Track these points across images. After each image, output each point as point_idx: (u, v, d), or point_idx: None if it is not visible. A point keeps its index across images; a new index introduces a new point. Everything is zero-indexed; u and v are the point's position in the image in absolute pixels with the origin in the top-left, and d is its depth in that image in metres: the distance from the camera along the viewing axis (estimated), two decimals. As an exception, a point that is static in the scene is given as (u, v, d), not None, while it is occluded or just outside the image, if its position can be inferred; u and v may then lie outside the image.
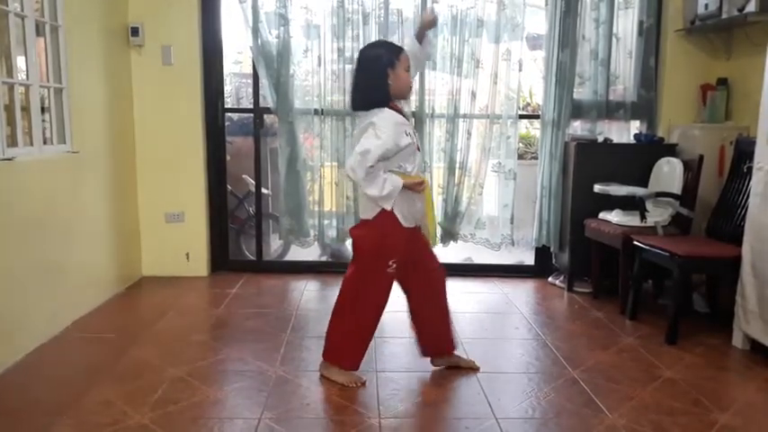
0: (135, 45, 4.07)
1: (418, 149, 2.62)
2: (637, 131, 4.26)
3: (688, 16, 4.02)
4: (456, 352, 2.88)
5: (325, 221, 4.37)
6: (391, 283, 2.67)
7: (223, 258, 4.52)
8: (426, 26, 2.73)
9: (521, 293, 4.14)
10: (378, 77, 2.48)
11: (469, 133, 4.25)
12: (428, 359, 2.88)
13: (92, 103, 3.64)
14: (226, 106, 4.47)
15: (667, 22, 4.15)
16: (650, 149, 4.01)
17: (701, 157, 3.65)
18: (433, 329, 2.82)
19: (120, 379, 2.69)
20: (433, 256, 2.82)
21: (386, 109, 2.49)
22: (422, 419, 2.45)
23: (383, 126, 2.43)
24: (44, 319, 3.11)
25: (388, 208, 2.49)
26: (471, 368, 2.84)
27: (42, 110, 3.21)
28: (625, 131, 4.29)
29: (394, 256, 2.58)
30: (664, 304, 3.68)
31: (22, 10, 2.98)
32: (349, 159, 2.46)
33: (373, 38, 4.12)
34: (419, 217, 2.64)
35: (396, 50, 2.54)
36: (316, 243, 4.46)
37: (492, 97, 4.20)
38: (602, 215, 3.87)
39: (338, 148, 4.23)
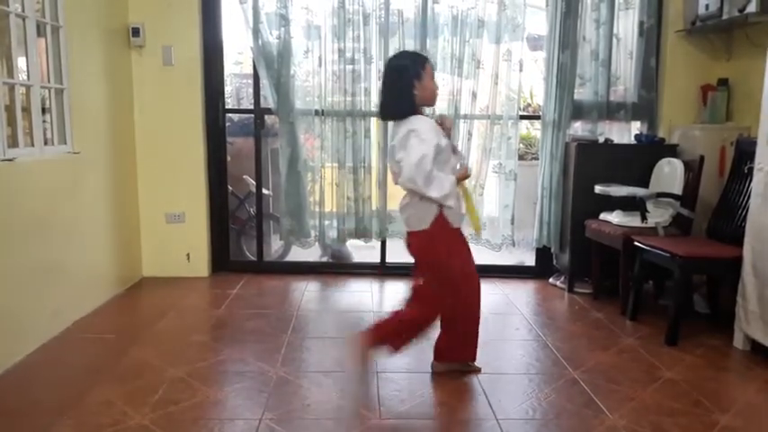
0: (136, 45, 4.08)
1: (454, 152, 2.66)
2: (637, 132, 4.26)
3: (688, 17, 4.02)
4: None
5: (326, 222, 4.37)
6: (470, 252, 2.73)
7: (224, 259, 4.52)
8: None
9: (521, 294, 4.14)
10: (404, 88, 2.54)
11: (470, 134, 4.25)
12: (428, 360, 2.88)
13: (92, 103, 3.65)
14: (226, 107, 4.48)
15: (668, 22, 4.15)
16: (651, 150, 4.01)
17: (702, 158, 3.65)
18: (460, 334, 2.79)
19: (120, 379, 2.69)
20: (472, 259, 2.80)
21: (419, 115, 2.55)
22: (423, 420, 2.45)
23: (424, 130, 2.48)
24: (45, 320, 3.11)
25: (452, 204, 2.50)
26: (473, 371, 2.84)
27: (43, 110, 3.21)
28: (626, 132, 4.29)
29: (455, 247, 2.64)
30: (664, 305, 3.67)
31: (23, 10, 2.99)
32: (404, 172, 2.46)
33: (373, 38, 4.14)
34: (462, 213, 2.66)
35: (421, 61, 2.60)
36: (316, 244, 4.47)
37: (493, 98, 4.21)
38: (602, 216, 3.87)
39: (339, 148, 4.23)
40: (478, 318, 2.80)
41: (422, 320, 2.69)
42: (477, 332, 2.82)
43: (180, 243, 4.30)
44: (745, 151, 3.40)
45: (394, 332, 2.67)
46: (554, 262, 4.42)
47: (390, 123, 2.69)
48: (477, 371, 2.83)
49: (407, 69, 2.55)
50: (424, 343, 3.17)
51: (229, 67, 4.90)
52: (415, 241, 2.67)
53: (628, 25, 4.19)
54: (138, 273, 4.27)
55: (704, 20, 3.84)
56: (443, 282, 2.66)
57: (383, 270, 4.52)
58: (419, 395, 2.63)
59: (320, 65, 4.17)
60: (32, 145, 3.09)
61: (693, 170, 3.67)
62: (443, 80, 4.22)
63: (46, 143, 3.22)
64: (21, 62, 3.03)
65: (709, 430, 2.34)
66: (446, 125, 2.67)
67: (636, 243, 3.47)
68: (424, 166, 2.42)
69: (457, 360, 2.84)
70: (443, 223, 2.57)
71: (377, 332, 2.65)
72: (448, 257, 2.62)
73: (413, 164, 2.43)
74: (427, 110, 2.87)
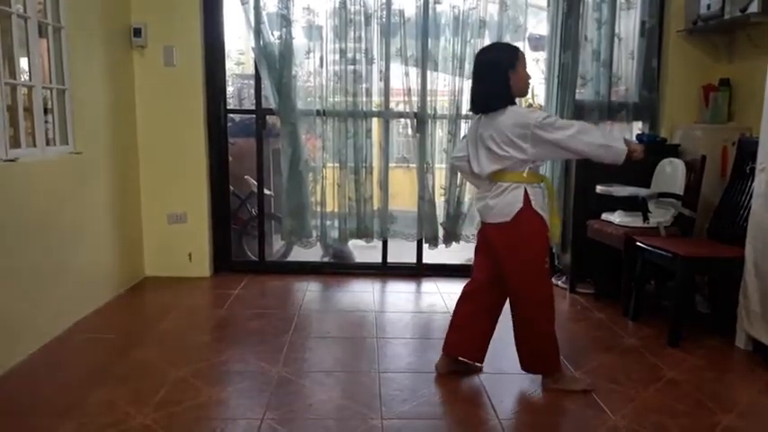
0: (137, 46, 4.08)
1: None
2: (639, 132, 4.26)
3: (690, 17, 4.02)
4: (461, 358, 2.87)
5: (328, 222, 4.38)
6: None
7: (225, 259, 4.52)
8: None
9: (523, 294, 4.13)
10: (500, 81, 2.50)
11: (472, 134, 4.24)
12: (430, 360, 2.89)
13: (94, 103, 3.65)
14: (228, 107, 4.49)
15: (669, 22, 4.15)
16: (652, 150, 3.96)
17: (704, 158, 3.64)
18: (483, 332, 2.80)
19: (122, 379, 2.69)
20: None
21: (512, 107, 2.51)
22: (424, 420, 2.45)
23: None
24: (47, 320, 3.12)
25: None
26: (474, 370, 2.84)
27: (45, 111, 3.21)
28: (627, 132, 4.28)
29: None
30: (666, 305, 3.67)
31: (25, 11, 2.99)
32: (581, 146, 2.49)
33: (375, 39, 4.14)
34: (545, 211, 2.60)
35: (514, 51, 2.58)
36: (318, 244, 4.47)
37: (494, 98, 4.20)
38: (604, 216, 3.86)
39: (340, 149, 4.23)
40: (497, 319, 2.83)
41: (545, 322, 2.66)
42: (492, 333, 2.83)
43: (182, 243, 4.30)
44: (746, 151, 3.39)
45: (545, 355, 2.68)
46: (556, 262, 4.42)
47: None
48: (479, 370, 2.83)
49: (502, 61, 2.52)
50: (425, 342, 3.18)
51: (231, 68, 4.90)
52: (509, 238, 2.58)
53: (629, 25, 4.19)
54: (140, 273, 4.28)
55: (706, 20, 3.84)
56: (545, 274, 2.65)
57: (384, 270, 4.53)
58: (421, 395, 2.62)
59: (322, 65, 4.17)
60: (34, 145, 3.09)
61: (695, 170, 3.67)
62: (444, 80, 4.23)
63: (48, 143, 3.22)
64: (23, 63, 3.03)
65: (711, 431, 2.34)
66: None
67: (637, 243, 3.46)
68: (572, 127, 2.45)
69: (468, 356, 2.84)
70: (532, 213, 2.52)
71: (539, 368, 2.70)
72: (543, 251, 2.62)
73: (573, 135, 2.44)
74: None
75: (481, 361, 2.83)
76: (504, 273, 2.62)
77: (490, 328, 2.79)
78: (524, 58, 2.58)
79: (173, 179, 4.24)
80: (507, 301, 2.72)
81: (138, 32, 4.03)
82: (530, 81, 2.62)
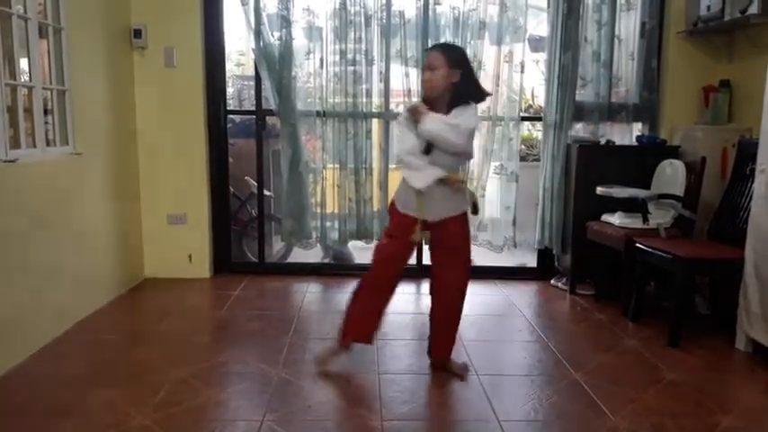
0: (138, 47, 4.08)
1: (428, 151, 2.58)
2: (639, 133, 4.26)
3: (690, 18, 4.02)
4: (453, 357, 2.88)
5: (328, 223, 4.38)
6: (385, 254, 2.94)
7: (225, 260, 4.52)
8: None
9: (523, 296, 4.14)
10: None
11: (472, 135, 4.24)
12: (430, 360, 2.90)
13: (94, 104, 3.65)
14: (228, 108, 4.49)
15: (669, 23, 4.15)
16: (653, 151, 4.01)
17: (704, 159, 3.64)
18: (437, 329, 2.86)
19: (122, 380, 2.69)
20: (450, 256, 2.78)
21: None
22: (424, 421, 2.45)
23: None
24: (47, 320, 3.12)
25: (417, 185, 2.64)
26: (457, 375, 2.81)
27: (45, 111, 3.22)
28: (627, 133, 4.29)
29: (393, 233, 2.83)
30: (666, 306, 3.67)
31: (25, 12, 2.99)
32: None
33: (375, 40, 4.14)
34: (413, 206, 2.66)
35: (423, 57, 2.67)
36: (318, 245, 4.47)
37: (494, 99, 4.20)
38: (604, 217, 3.86)
39: (340, 150, 4.23)
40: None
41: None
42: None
43: (182, 244, 4.30)
44: (746, 153, 3.39)
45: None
46: (556, 263, 4.42)
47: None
48: (462, 378, 2.80)
49: None
50: (425, 344, 3.17)
51: (231, 69, 4.90)
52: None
53: (629, 26, 4.19)
54: (140, 274, 4.28)
55: (706, 21, 3.84)
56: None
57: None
58: (421, 396, 2.63)
59: (322, 66, 4.18)
60: (34, 146, 3.09)
61: (695, 171, 3.67)
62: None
63: (48, 144, 3.22)
64: (23, 63, 3.03)
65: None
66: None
67: (637, 244, 3.46)
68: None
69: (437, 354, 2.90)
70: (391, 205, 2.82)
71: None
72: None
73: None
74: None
75: (439, 355, 2.87)
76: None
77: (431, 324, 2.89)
78: (427, 62, 2.58)
79: (173, 180, 4.24)
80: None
81: (138, 33, 4.04)
82: (424, 82, 2.60)
